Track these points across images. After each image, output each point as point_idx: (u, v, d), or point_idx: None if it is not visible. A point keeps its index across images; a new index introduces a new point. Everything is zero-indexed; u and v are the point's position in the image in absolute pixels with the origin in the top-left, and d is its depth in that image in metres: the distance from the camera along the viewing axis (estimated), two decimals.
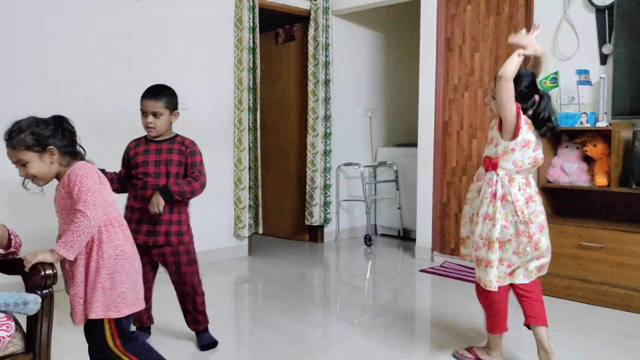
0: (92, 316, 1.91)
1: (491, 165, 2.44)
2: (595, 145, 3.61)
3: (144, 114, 2.71)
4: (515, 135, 2.36)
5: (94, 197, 1.89)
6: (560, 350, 2.63)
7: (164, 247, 2.73)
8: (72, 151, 2.01)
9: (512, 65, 2.30)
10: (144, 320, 2.90)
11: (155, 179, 2.72)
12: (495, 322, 2.53)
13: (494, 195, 2.40)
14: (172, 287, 2.83)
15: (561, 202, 3.92)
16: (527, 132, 2.38)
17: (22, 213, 3.52)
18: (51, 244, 1.95)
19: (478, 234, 2.44)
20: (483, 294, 2.51)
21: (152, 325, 2.99)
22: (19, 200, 3.55)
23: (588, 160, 3.71)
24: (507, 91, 2.31)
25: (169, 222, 2.73)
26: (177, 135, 2.83)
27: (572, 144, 3.77)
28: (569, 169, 3.70)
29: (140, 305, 2.03)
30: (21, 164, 1.94)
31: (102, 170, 2.74)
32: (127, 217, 2.73)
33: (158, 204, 2.61)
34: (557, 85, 3.79)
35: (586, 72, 3.70)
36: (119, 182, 2.83)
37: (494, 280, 2.41)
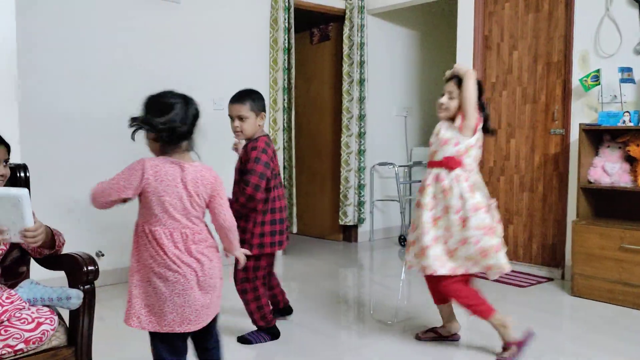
0: None
1: (457, 163, 2.61)
2: (638, 145, 3.50)
3: (232, 118, 2.78)
4: (474, 131, 2.62)
5: None
6: (601, 355, 2.57)
7: None
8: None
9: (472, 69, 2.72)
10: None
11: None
12: (482, 307, 2.64)
13: (472, 187, 2.59)
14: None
15: (602, 204, 3.82)
16: (480, 129, 2.68)
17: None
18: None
19: (475, 226, 2.54)
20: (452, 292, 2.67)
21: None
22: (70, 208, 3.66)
23: (631, 160, 3.61)
24: (475, 88, 2.60)
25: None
26: (263, 135, 2.81)
27: (614, 143, 3.67)
28: (611, 170, 3.61)
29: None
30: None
31: None
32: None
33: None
34: (599, 83, 3.70)
35: (629, 69, 3.60)
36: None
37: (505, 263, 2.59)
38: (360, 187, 5.35)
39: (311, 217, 5.77)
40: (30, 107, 3.51)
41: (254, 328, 2.94)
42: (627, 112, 3.52)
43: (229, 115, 2.79)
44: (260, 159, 2.69)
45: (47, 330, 1.80)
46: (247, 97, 2.75)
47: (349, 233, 5.54)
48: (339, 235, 5.59)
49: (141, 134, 1.92)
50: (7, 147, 2.01)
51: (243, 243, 2.68)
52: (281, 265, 4.63)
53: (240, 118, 2.72)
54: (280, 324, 3.18)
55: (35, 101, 3.56)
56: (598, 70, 3.70)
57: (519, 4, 4.34)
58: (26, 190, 1.75)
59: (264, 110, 2.80)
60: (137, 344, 2.87)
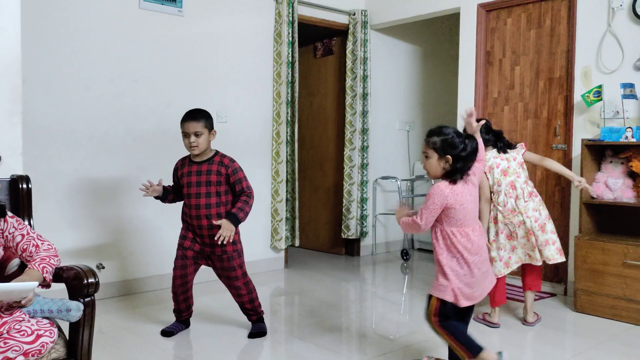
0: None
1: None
2: None
3: (186, 135, 2.98)
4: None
5: (426, 213, 2.33)
6: None
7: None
8: (457, 170, 2.31)
9: None
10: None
11: (197, 199, 3.02)
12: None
13: None
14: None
15: (605, 219, 3.81)
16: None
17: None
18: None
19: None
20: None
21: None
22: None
23: (633, 176, 3.60)
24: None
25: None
26: (216, 153, 3.09)
27: (616, 159, 3.67)
28: (614, 185, 3.60)
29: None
30: (425, 156, 2.37)
31: (165, 187, 2.98)
32: (182, 217, 3.15)
33: (231, 230, 2.92)
34: (601, 99, 3.71)
35: (632, 85, 3.60)
36: (174, 193, 3.20)
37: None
38: (363, 200, 5.35)
39: (313, 231, 5.76)
40: (33, 119, 3.53)
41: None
42: (630, 127, 3.52)
43: (184, 132, 3.00)
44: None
45: (47, 343, 1.79)
46: (201, 115, 3.01)
47: (352, 247, 5.53)
48: (341, 248, 5.58)
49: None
50: None
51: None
52: (283, 279, 4.61)
53: (196, 134, 2.96)
54: (281, 337, 3.17)
55: (38, 113, 3.58)
56: (600, 86, 3.70)
57: (521, 20, 4.37)
58: (35, 283, 1.79)
59: (214, 128, 3.07)
60: (137, 356, 2.87)
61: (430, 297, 2.43)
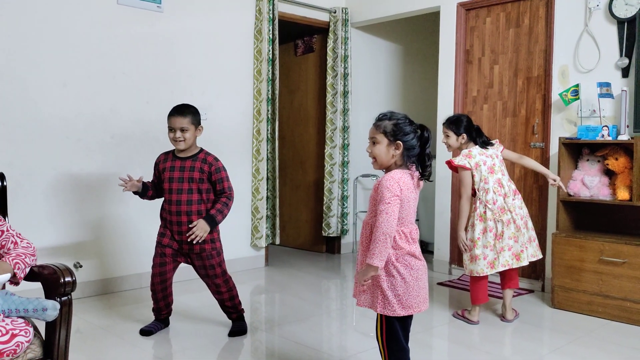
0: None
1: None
2: (617, 159, 3.56)
3: (172, 130, 2.96)
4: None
5: (390, 207, 2.00)
6: None
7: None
8: (412, 157, 2.11)
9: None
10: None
11: (178, 195, 2.99)
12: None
13: None
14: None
15: (582, 216, 3.87)
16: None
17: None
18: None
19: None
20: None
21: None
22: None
23: (609, 173, 3.66)
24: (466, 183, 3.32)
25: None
26: (200, 151, 3.06)
27: (593, 157, 3.73)
28: (590, 183, 3.65)
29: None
30: (372, 142, 2.12)
31: (144, 182, 2.95)
32: (160, 214, 3.12)
33: (206, 231, 2.93)
34: (578, 98, 3.76)
35: (608, 84, 3.66)
36: (154, 189, 3.13)
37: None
38: (344, 198, 5.35)
39: (294, 229, 5.75)
40: (8, 116, 3.46)
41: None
42: (606, 126, 3.57)
43: (170, 127, 2.97)
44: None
45: (22, 342, 1.76)
46: (188, 110, 2.99)
47: (332, 245, 5.53)
48: (322, 246, 5.58)
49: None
50: None
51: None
52: (263, 277, 4.60)
53: (182, 130, 2.94)
54: (262, 336, 3.16)
55: (14, 110, 3.52)
56: (577, 85, 3.76)
57: (500, 19, 4.41)
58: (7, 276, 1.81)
59: (200, 124, 3.05)
60: (115, 356, 2.83)
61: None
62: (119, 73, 3.96)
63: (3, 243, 1.95)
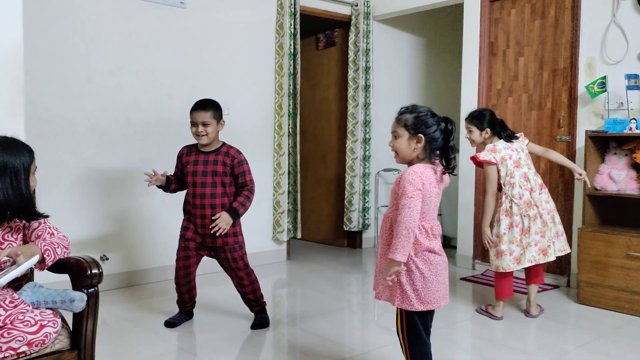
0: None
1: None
2: None
3: (194, 124, 3.00)
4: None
5: (412, 201, 1.97)
6: None
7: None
8: (435, 150, 2.06)
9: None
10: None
11: (202, 188, 3.03)
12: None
13: None
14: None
15: (608, 211, 3.80)
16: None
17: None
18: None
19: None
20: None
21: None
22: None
23: (637, 167, 3.59)
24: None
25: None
26: (223, 144, 3.10)
27: (620, 150, 3.65)
28: (617, 177, 3.59)
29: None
30: (394, 136, 2.10)
31: (168, 176, 3.00)
32: (184, 208, 3.16)
33: (229, 223, 2.96)
34: (605, 90, 3.69)
35: (636, 76, 3.58)
36: (177, 182, 3.20)
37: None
38: (365, 193, 5.34)
39: (316, 223, 5.76)
40: (35, 111, 3.52)
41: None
42: (634, 119, 3.50)
43: (192, 121, 3.01)
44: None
45: (50, 333, 1.80)
46: (210, 105, 3.02)
47: (354, 239, 5.53)
48: (343, 241, 5.58)
49: None
50: None
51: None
52: (285, 271, 4.62)
53: (204, 124, 2.98)
54: (284, 329, 3.17)
55: (40, 105, 3.58)
56: (604, 77, 3.68)
57: (525, 11, 4.34)
58: (36, 257, 1.84)
59: (222, 118, 3.08)
60: (141, 347, 2.87)
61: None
62: (141, 68, 4.00)
63: (39, 234, 1.99)
